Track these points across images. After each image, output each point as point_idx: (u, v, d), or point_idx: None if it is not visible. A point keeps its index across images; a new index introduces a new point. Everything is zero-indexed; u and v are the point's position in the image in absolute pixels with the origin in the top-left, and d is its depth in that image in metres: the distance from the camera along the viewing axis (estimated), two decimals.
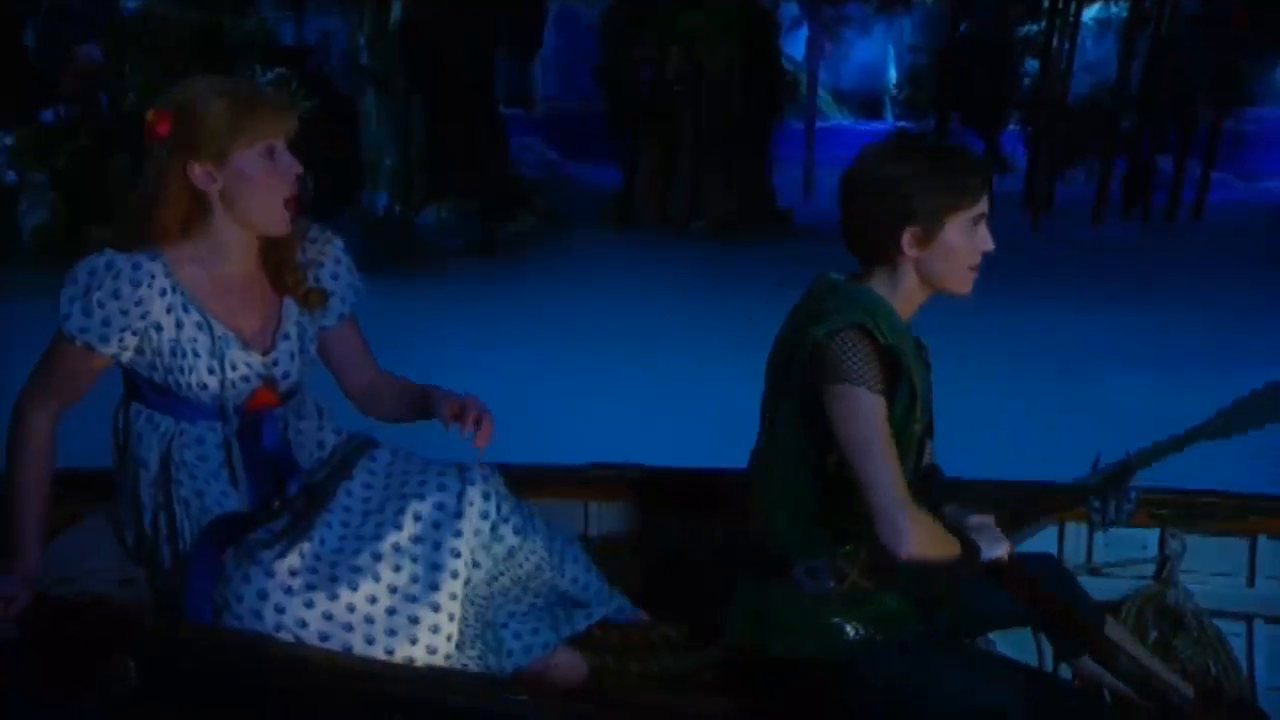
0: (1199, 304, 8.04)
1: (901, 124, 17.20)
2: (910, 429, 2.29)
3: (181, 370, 2.38)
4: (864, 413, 2.15)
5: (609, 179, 13.78)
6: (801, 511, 2.34)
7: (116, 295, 2.32)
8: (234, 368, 2.42)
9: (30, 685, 2.44)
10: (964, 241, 2.23)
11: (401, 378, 2.73)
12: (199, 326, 2.39)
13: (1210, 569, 2.77)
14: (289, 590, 2.23)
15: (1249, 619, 2.76)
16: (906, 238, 2.21)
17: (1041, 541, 2.85)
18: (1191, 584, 2.77)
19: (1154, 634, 2.78)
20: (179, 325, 2.38)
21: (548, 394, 5.73)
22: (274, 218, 2.39)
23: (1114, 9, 14.35)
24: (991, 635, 2.72)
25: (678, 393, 5.86)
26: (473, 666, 2.33)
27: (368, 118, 10.68)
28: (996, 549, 2.25)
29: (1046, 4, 13.46)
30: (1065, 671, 2.66)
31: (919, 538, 2.13)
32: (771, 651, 2.37)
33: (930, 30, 17.95)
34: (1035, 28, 13.44)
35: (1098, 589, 2.75)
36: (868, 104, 19.14)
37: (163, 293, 2.35)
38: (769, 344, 2.47)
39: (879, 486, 2.14)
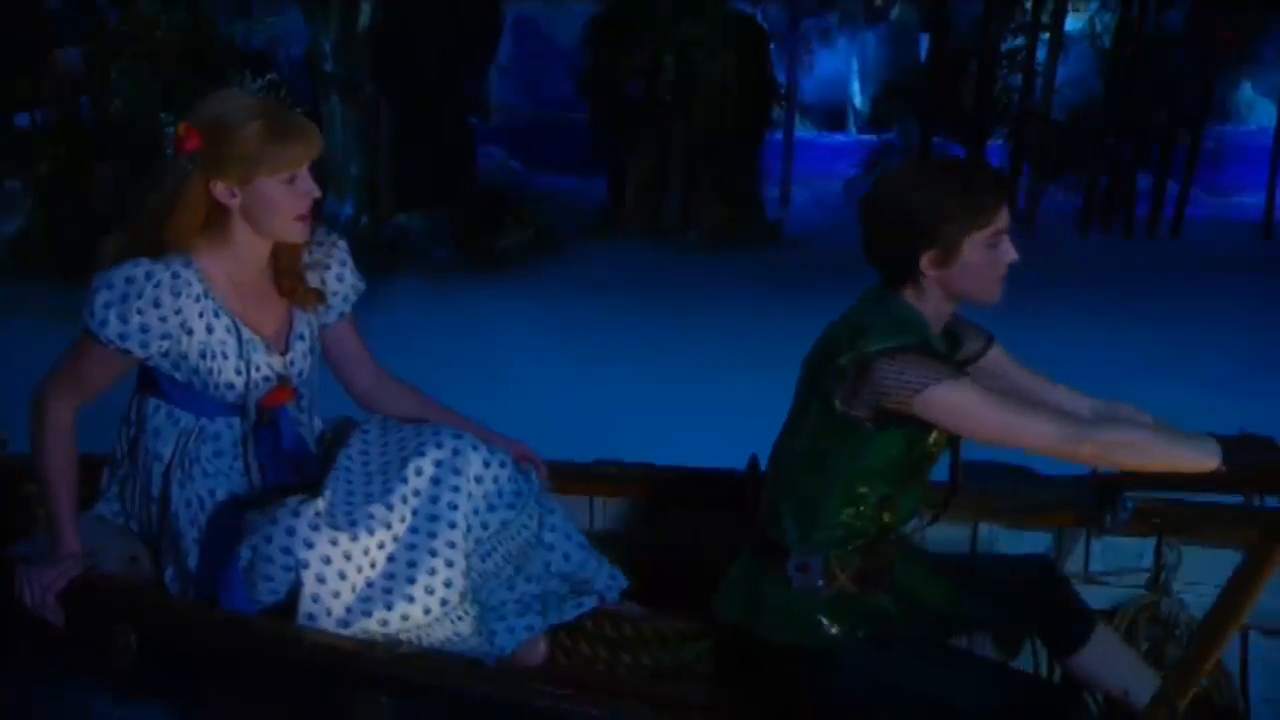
0: (1189, 318, 8.08)
1: (865, 137, 17.28)
2: (927, 443, 2.36)
3: (210, 371, 2.49)
4: (961, 400, 2.19)
5: (571, 188, 13.78)
6: (807, 510, 2.38)
7: (157, 304, 2.41)
8: (258, 369, 2.54)
9: (36, 654, 2.60)
10: (984, 258, 2.28)
11: (408, 384, 2.87)
12: (228, 330, 2.51)
13: (1206, 579, 2.79)
14: (315, 527, 2.35)
15: (1244, 630, 2.76)
16: (925, 260, 2.27)
17: (1038, 549, 2.87)
18: (1187, 595, 2.79)
19: (1146, 643, 2.80)
20: (209, 330, 2.48)
21: (551, 398, 5.77)
22: (289, 232, 2.51)
23: (1099, 21, 14.40)
24: (985, 637, 2.76)
25: (683, 395, 5.91)
26: (468, 622, 2.45)
27: (332, 125, 10.42)
28: None
29: (1028, 18, 13.51)
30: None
31: (1101, 445, 2.14)
32: (754, 633, 2.42)
33: (901, 43, 18.01)
34: (1018, 42, 13.43)
35: (1094, 597, 2.79)
36: (831, 116, 19.06)
37: (197, 299, 2.46)
38: (772, 352, 2.52)
39: (1036, 438, 2.18)
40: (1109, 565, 2.86)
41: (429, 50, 10.91)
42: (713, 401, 5.71)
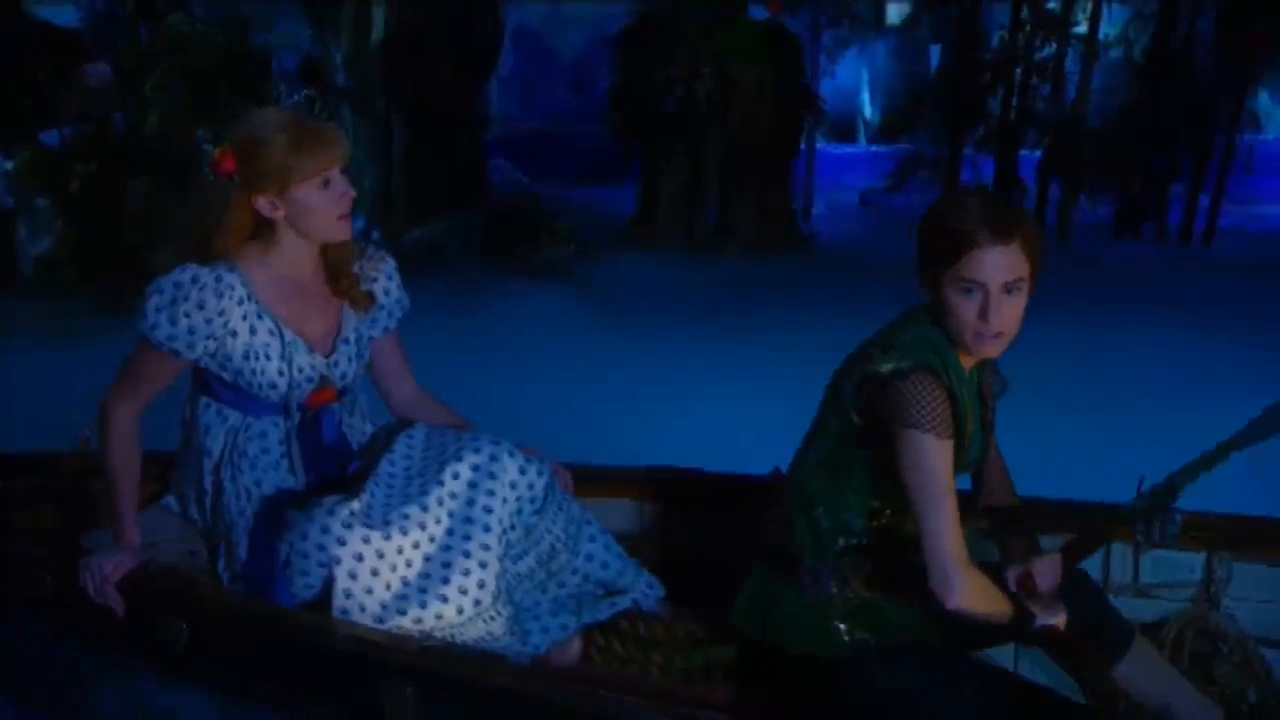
0: (1229, 327, 8.01)
1: (875, 148, 17.25)
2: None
3: (254, 372, 2.59)
4: (929, 459, 2.19)
5: (581, 199, 13.75)
6: (822, 520, 2.39)
7: (201, 306, 2.52)
8: (300, 369, 2.63)
9: (94, 639, 2.75)
10: (956, 299, 2.26)
11: (446, 404, 2.96)
12: (271, 332, 2.60)
13: (1258, 595, 2.75)
14: (349, 525, 2.42)
15: None
16: (928, 280, 2.30)
17: (1087, 561, 2.83)
18: (1238, 609, 2.75)
19: (1188, 658, 2.76)
20: (253, 331, 2.58)
21: (591, 406, 5.81)
22: (333, 232, 2.62)
23: (1131, 28, 14.30)
24: (1015, 648, 2.73)
25: (727, 403, 5.91)
26: (501, 622, 2.50)
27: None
28: (1051, 617, 2.28)
29: (1042, 17, 13.41)
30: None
31: (968, 594, 2.19)
32: (769, 639, 2.43)
33: (912, 54, 17.98)
34: (1049, 50, 13.34)
35: (1143, 610, 2.76)
36: (840, 128, 18.97)
37: (240, 302, 2.56)
38: (815, 360, 2.54)
39: (936, 536, 2.19)
40: (1159, 578, 2.83)
41: (437, 62, 10.90)
42: (756, 410, 5.70)
